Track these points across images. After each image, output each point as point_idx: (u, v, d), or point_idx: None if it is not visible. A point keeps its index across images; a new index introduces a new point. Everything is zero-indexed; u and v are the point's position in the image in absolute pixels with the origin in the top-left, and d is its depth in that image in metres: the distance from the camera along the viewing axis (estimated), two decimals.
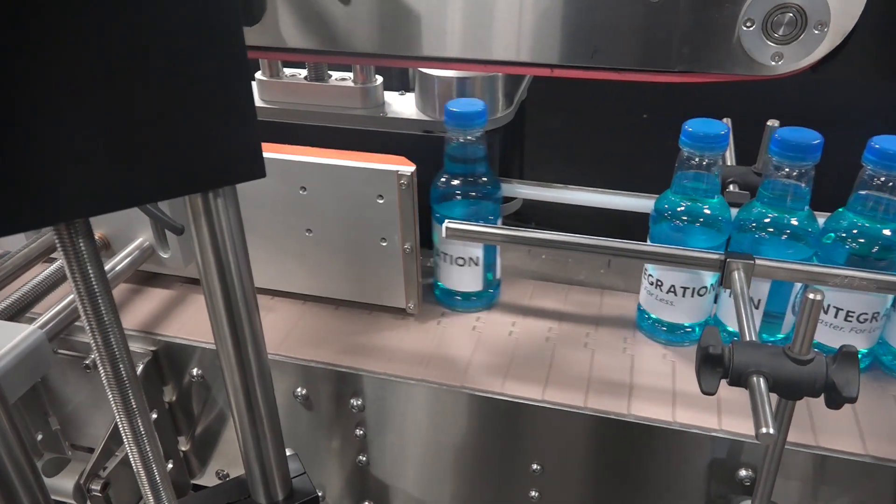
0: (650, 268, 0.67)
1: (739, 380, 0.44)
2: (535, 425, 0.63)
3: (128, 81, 0.33)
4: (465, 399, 0.64)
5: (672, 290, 0.66)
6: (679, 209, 0.64)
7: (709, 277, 0.65)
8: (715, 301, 0.68)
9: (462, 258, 0.70)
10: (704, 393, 0.45)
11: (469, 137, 0.67)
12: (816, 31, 0.46)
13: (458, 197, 0.69)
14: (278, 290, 0.76)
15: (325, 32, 0.58)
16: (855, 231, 0.60)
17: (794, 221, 0.61)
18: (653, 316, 0.68)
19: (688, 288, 0.65)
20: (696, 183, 0.63)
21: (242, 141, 0.40)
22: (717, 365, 0.44)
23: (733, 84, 0.52)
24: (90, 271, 0.41)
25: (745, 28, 0.47)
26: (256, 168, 0.42)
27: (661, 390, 0.63)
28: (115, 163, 0.35)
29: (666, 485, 0.62)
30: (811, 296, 0.42)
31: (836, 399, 0.43)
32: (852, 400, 0.43)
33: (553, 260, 0.84)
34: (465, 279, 0.72)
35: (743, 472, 0.58)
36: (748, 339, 0.48)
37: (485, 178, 0.70)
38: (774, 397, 0.46)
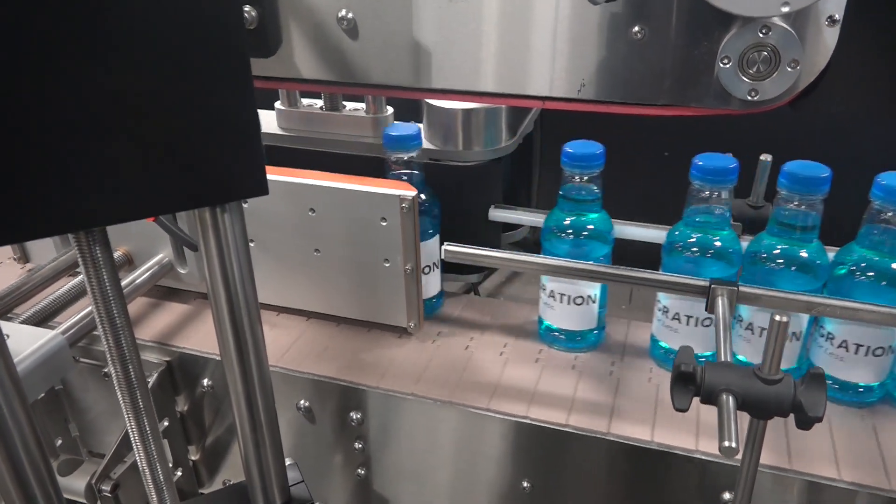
0: (661, 296, 0.69)
1: (710, 398, 0.46)
2: (524, 442, 0.65)
3: (142, 104, 0.37)
4: (458, 415, 0.66)
5: (676, 317, 0.68)
6: (690, 241, 0.66)
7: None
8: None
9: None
10: (677, 409, 0.46)
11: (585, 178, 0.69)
12: (790, 69, 0.49)
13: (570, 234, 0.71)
14: (287, 307, 0.79)
15: (336, 65, 0.62)
16: (864, 264, 0.61)
17: (803, 253, 0.63)
18: (662, 344, 0.70)
19: (692, 316, 0.67)
20: (707, 216, 0.65)
21: (247, 160, 0.44)
22: (689, 383, 0.46)
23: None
24: (105, 276, 0.44)
25: (722, 65, 0.50)
26: (260, 186, 0.45)
27: (643, 411, 0.64)
28: (130, 178, 0.39)
29: None
30: (777, 318, 0.44)
31: (803, 419, 0.45)
32: (819, 419, 0.44)
33: None
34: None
35: (727, 495, 0.59)
36: (723, 360, 0.50)
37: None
38: (746, 417, 0.47)
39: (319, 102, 0.85)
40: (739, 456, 0.51)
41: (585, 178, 0.68)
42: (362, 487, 0.75)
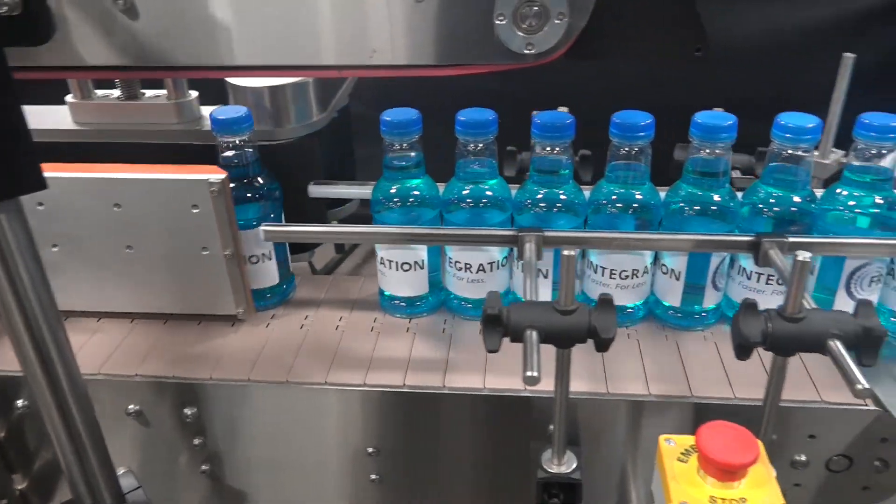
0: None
1: (517, 335, 0.49)
2: (363, 409, 0.66)
3: None
4: (294, 393, 0.66)
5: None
6: (538, 197, 0.67)
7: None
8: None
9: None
10: (489, 351, 0.49)
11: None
12: (558, 21, 0.52)
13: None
14: (104, 311, 0.75)
15: (120, 48, 0.59)
16: (691, 200, 0.66)
17: (638, 196, 0.67)
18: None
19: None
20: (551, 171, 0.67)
21: (14, 155, 0.41)
22: (497, 324, 0.49)
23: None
24: None
25: (498, 21, 0.53)
26: (34, 181, 0.43)
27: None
28: None
29: (492, 448, 0.67)
30: (566, 252, 0.47)
31: (599, 342, 0.49)
32: (611, 340, 0.49)
33: None
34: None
35: (552, 427, 0.64)
36: (529, 300, 0.54)
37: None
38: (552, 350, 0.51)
39: (116, 92, 0.80)
40: (552, 387, 0.55)
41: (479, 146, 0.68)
42: (212, 482, 0.73)
